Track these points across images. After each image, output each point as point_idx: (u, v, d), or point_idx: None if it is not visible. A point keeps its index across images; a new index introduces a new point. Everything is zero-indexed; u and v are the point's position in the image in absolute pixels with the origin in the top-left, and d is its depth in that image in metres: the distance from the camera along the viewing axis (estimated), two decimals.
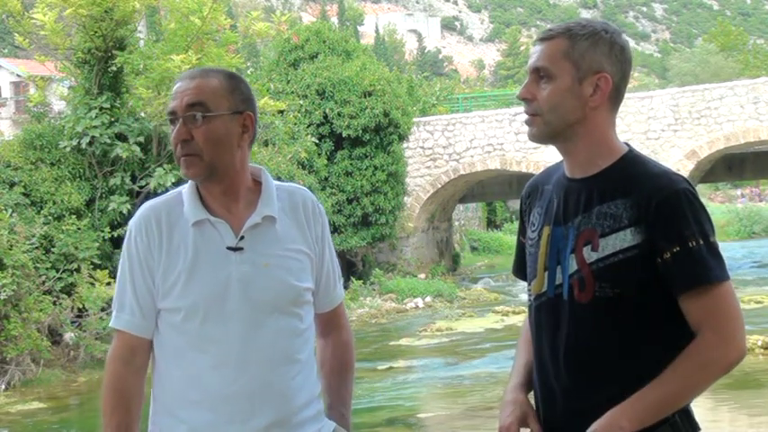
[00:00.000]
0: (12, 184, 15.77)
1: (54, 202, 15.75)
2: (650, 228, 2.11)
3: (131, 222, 2.41)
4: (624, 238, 2.13)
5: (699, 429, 2.22)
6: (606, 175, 2.20)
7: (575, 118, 2.20)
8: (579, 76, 2.18)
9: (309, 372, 2.44)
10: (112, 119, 16.32)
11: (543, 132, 2.23)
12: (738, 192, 60.68)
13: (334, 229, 22.34)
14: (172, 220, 2.37)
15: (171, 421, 2.37)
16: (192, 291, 2.32)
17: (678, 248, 2.10)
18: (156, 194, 13.74)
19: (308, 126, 22.17)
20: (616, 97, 2.22)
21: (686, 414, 2.19)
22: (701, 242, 2.11)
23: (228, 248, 2.35)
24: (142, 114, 16.95)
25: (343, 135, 22.92)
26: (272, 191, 2.43)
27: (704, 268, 2.11)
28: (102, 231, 15.42)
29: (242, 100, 2.38)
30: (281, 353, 2.37)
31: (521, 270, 2.43)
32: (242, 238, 2.36)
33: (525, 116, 2.29)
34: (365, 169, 23.07)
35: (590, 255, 2.16)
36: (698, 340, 2.10)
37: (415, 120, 25.80)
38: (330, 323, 2.59)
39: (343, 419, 2.54)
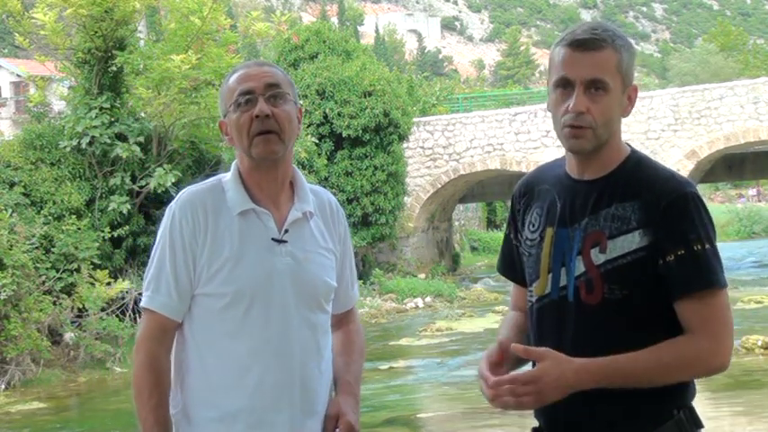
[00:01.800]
0: (12, 184, 15.77)
1: (54, 202, 15.75)
2: (657, 230, 2.12)
3: (174, 206, 2.41)
4: (633, 240, 2.13)
5: (702, 427, 2.23)
6: (614, 178, 2.21)
7: (616, 128, 2.22)
8: (623, 88, 2.20)
9: (330, 369, 2.51)
10: (112, 119, 16.32)
11: (593, 146, 2.19)
12: (751, 191, 60.70)
13: None
14: (216, 207, 2.39)
15: (201, 406, 2.38)
16: (239, 278, 2.35)
17: (683, 251, 2.11)
18: (156, 194, 13.73)
19: (308, 126, 22.16)
20: None
21: (690, 411, 2.21)
22: (707, 246, 2.12)
23: (273, 240, 2.39)
24: (142, 114, 16.96)
25: (343, 135, 22.92)
26: (307, 188, 2.49)
27: (709, 272, 2.12)
28: (102, 231, 15.42)
29: (296, 94, 2.49)
30: (314, 347, 2.43)
31: (510, 269, 2.42)
32: (286, 231, 2.40)
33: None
34: (365, 169, 23.08)
35: (598, 257, 2.16)
36: (691, 339, 2.11)
37: (415, 120, 25.80)
38: (343, 320, 2.65)
39: (350, 388, 2.54)
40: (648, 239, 2.12)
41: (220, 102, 2.47)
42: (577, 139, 2.17)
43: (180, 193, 2.47)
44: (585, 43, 2.16)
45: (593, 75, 2.15)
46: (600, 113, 2.16)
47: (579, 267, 2.18)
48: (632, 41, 2.31)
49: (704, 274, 2.11)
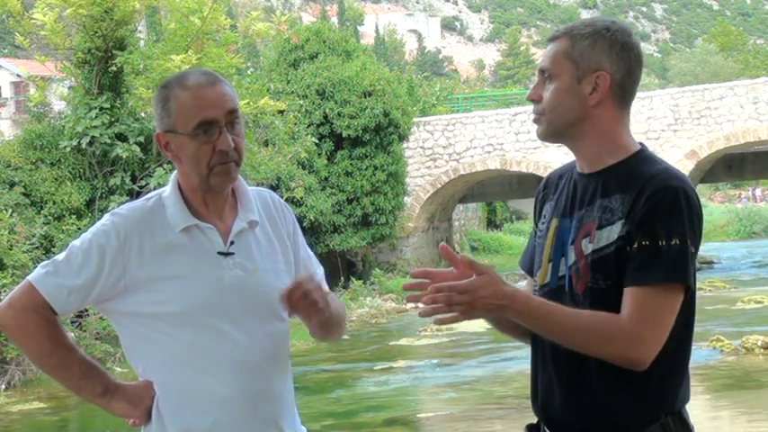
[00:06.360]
0: (12, 184, 15.78)
1: (54, 202, 15.76)
2: (634, 218, 2.13)
3: (112, 218, 2.33)
4: (615, 231, 2.15)
5: (691, 431, 2.22)
6: (612, 171, 2.22)
7: (575, 117, 2.22)
8: (578, 75, 2.20)
9: (290, 376, 2.44)
10: (112, 119, 16.33)
11: (546, 131, 2.27)
12: (757, 191, 60.64)
13: (335, 229, 22.36)
14: (155, 226, 2.31)
15: (171, 425, 2.32)
16: (187, 296, 2.27)
17: (647, 242, 2.11)
18: None
19: (308, 126, 22.17)
20: (621, 95, 2.23)
21: (679, 417, 2.20)
22: (673, 242, 2.10)
23: (219, 253, 2.31)
24: (142, 114, 16.97)
25: (343, 135, 22.93)
26: (250, 195, 2.41)
27: (665, 269, 2.10)
28: None
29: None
30: (274, 356, 2.36)
31: (528, 262, 2.42)
32: (232, 243, 2.33)
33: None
34: (365, 169, 23.08)
35: (587, 246, 2.19)
36: (619, 319, 2.10)
37: (415, 120, 25.81)
38: None
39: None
40: (627, 229, 2.13)
41: (162, 112, 2.32)
42: (537, 125, 2.29)
43: (120, 207, 2.39)
44: (549, 37, 2.30)
45: (540, 64, 2.27)
46: (547, 100, 2.24)
47: (572, 257, 2.22)
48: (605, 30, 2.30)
49: (659, 270, 2.09)
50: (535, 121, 2.28)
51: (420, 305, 2.21)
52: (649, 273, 2.09)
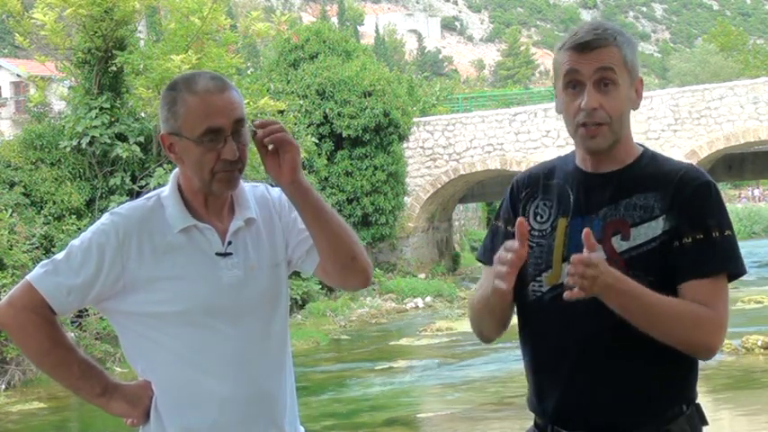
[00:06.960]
0: (12, 184, 15.78)
1: (54, 202, 15.76)
2: (680, 213, 2.17)
3: (111, 217, 2.34)
4: (657, 227, 2.18)
5: (707, 424, 2.28)
6: (632, 170, 2.25)
7: (628, 123, 2.27)
8: (630, 82, 2.24)
9: (291, 376, 2.44)
10: (112, 119, 16.34)
11: (610, 142, 2.23)
12: (755, 191, 60.68)
13: None
14: (154, 226, 2.32)
15: (170, 425, 2.32)
16: (184, 297, 2.28)
17: (701, 236, 2.16)
18: None
19: (308, 126, 22.18)
20: None
21: (697, 408, 2.27)
22: (726, 233, 2.18)
23: (218, 254, 2.32)
24: (142, 114, 16.99)
25: (344, 135, 22.93)
26: (247, 193, 2.41)
27: (723, 258, 2.18)
28: None
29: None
30: (273, 356, 2.37)
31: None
32: (229, 243, 2.33)
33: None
34: (365, 169, 23.09)
35: (620, 244, 2.20)
36: (701, 306, 2.15)
37: (415, 120, 25.81)
38: None
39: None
40: (671, 224, 2.17)
41: (168, 114, 2.31)
42: (594, 138, 2.21)
43: (119, 206, 2.39)
44: (589, 44, 2.19)
45: (606, 64, 2.18)
46: (612, 108, 2.19)
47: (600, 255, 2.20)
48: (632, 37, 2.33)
49: (719, 260, 2.17)
50: (592, 132, 2.20)
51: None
52: (709, 265, 2.16)
